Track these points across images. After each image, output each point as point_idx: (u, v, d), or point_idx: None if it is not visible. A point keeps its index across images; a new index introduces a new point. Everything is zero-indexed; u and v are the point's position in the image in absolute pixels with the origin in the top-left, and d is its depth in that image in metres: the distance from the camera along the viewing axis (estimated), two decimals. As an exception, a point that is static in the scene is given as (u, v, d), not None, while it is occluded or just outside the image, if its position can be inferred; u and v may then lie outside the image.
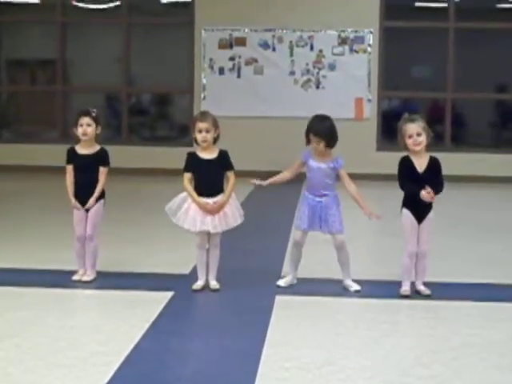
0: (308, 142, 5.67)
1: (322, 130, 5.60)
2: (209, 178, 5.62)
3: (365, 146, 12.84)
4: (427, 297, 5.54)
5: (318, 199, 5.65)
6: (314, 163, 5.66)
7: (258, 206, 10.02)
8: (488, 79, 13.65)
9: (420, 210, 5.53)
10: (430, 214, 5.57)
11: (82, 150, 5.89)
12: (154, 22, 14.22)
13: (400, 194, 5.64)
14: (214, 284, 5.69)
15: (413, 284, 5.63)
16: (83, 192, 5.84)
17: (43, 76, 14.58)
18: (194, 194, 5.58)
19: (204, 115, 5.73)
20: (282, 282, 5.81)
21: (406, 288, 5.57)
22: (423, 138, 5.48)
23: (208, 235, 5.67)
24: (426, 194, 5.39)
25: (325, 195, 5.65)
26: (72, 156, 5.90)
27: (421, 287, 5.62)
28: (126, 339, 4.50)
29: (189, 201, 5.62)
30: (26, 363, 4.09)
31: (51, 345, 4.40)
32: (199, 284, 5.69)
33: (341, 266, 5.77)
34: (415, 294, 5.58)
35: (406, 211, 5.56)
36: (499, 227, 8.71)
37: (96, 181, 5.86)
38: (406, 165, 5.54)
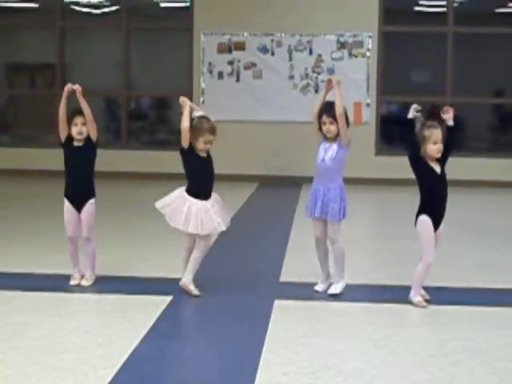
0: (320, 127, 5.68)
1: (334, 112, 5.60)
2: (203, 175, 5.58)
3: (363, 150, 12.81)
4: (426, 301, 5.53)
5: (320, 187, 5.66)
6: (321, 150, 5.67)
7: (257, 209, 10.03)
8: (487, 83, 13.66)
9: (438, 215, 5.42)
10: (442, 224, 5.49)
11: (75, 143, 5.83)
12: (153, 26, 14.22)
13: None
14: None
15: (410, 288, 5.62)
16: (75, 188, 5.79)
17: (42, 80, 14.58)
18: (185, 111, 5.56)
19: (214, 128, 5.58)
20: (318, 288, 5.84)
21: (420, 299, 5.46)
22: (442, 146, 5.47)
23: (194, 237, 5.62)
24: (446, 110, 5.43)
25: (329, 183, 5.65)
26: (67, 141, 5.83)
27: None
28: (125, 343, 4.50)
29: (178, 201, 5.56)
30: (24, 366, 4.09)
31: (49, 348, 4.40)
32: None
33: (335, 267, 5.77)
34: (414, 298, 5.59)
35: (425, 217, 5.40)
36: (497, 232, 8.71)
37: (88, 173, 5.82)
38: (423, 163, 5.41)
